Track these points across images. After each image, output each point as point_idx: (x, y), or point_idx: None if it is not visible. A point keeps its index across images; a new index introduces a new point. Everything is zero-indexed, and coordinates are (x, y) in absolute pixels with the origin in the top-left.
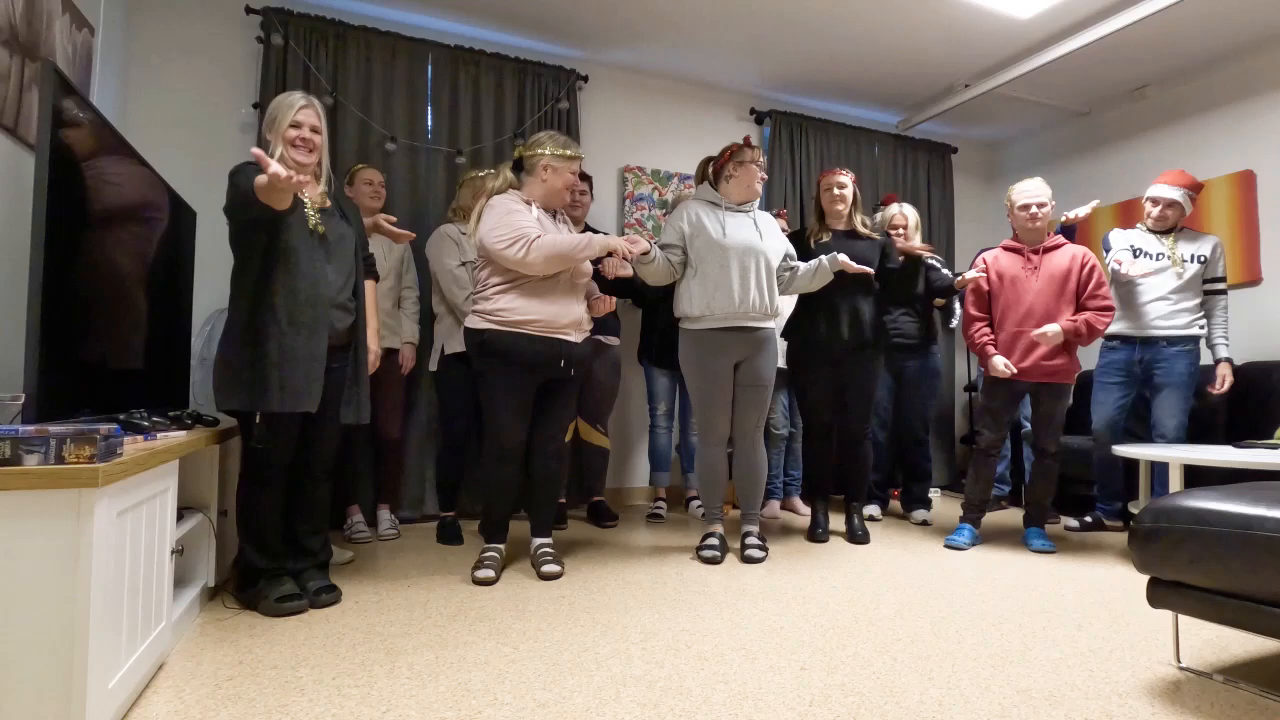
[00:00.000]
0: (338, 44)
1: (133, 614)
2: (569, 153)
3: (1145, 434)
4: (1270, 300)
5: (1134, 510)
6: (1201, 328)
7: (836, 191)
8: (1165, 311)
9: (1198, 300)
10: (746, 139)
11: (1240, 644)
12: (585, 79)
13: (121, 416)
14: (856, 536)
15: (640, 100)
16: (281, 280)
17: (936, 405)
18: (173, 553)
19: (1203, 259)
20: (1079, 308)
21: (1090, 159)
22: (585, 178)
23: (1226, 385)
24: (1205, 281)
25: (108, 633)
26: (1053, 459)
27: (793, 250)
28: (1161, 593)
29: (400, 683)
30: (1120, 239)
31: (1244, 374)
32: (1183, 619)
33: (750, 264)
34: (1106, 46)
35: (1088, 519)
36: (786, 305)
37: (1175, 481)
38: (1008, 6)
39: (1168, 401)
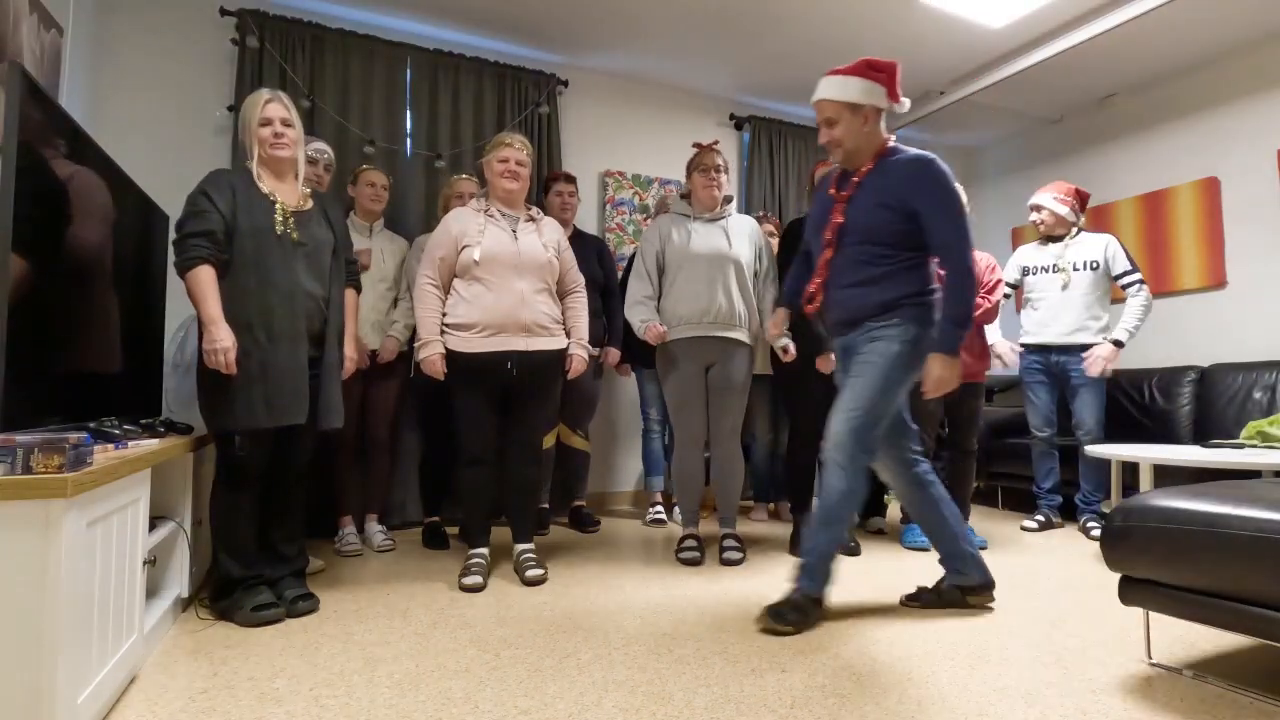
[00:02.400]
0: (315, 47)
1: (103, 626)
2: (500, 140)
3: (1068, 431)
4: (1234, 304)
5: (1105, 509)
6: (1104, 334)
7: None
8: (1067, 323)
9: (1097, 307)
10: (697, 145)
11: (1209, 640)
12: (565, 84)
13: (92, 424)
14: (848, 548)
15: (620, 105)
16: (255, 293)
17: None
18: (145, 563)
19: (1095, 264)
20: None
21: (1062, 165)
22: (570, 179)
23: (1098, 367)
24: (1115, 279)
25: (77, 646)
26: (972, 457)
27: (764, 264)
28: (1133, 590)
29: (380, 692)
30: (1015, 259)
31: (1210, 376)
32: (1154, 616)
33: (717, 272)
34: (1076, 55)
35: (1039, 518)
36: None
37: (1145, 481)
38: (981, 16)
39: (1085, 401)
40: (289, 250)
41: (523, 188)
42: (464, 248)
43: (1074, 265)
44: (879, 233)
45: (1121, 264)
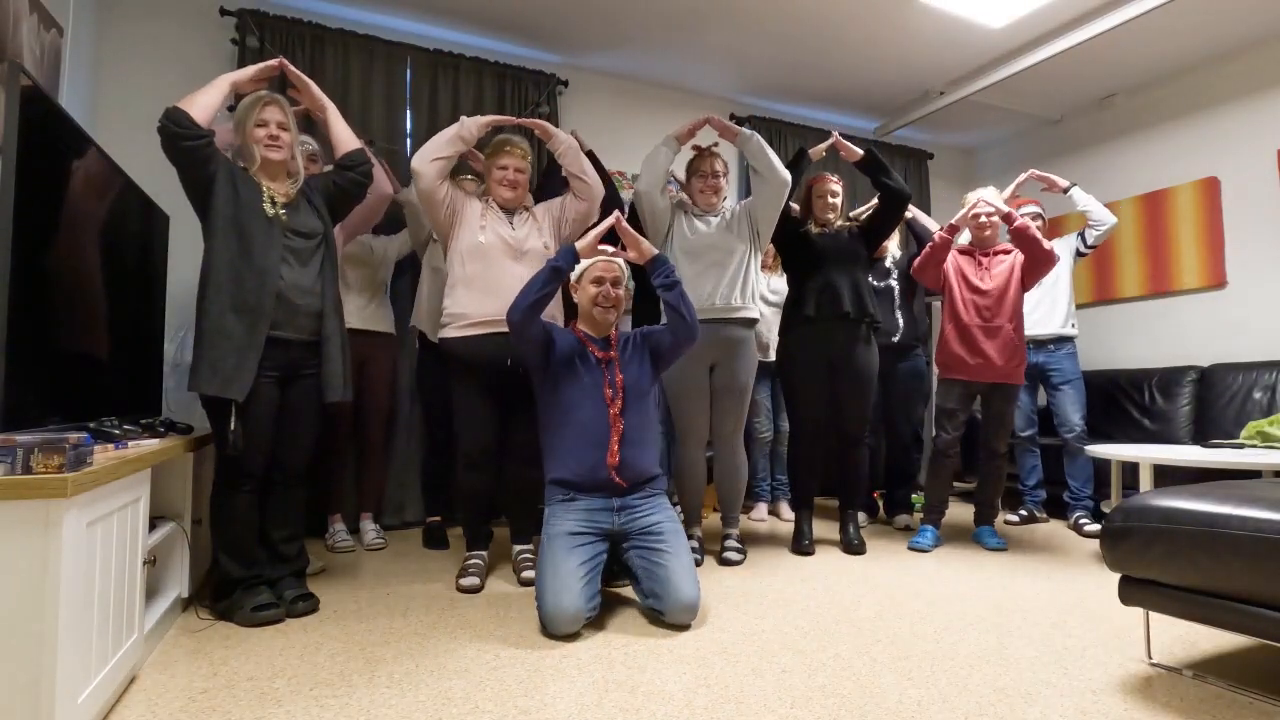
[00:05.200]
0: (315, 47)
1: (103, 626)
2: (500, 146)
3: (1050, 430)
4: (1234, 304)
5: (1105, 509)
6: (1074, 326)
7: (830, 200)
8: (1040, 314)
9: (1068, 299)
10: (696, 148)
11: (1209, 640)
12: (565, 84)
13: (91, 424)
14: (852, 546)
15: (620, 105)
16: (231, 264)
17: (924, 407)
18: (145, 563)
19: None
20: (1025, 271)
21: (1061, 165)
22: None
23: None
24: (1086, 250)
25: (77, 646)
26: (1002, 459)
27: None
28: (1133, 591)
29: (380, 692)
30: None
31: (1210, 376)
32: (1154, 616)
33: (713, 260)
34: (1076, 56)
35: (1022, 512)
36: (770, 308)
37: (1145, 481)
38: (981, 16)
39: (1067, 398)
40: (276, 232)
41: (520, 195)
42: (466, 224)
43: None
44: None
45: (1089, 238)
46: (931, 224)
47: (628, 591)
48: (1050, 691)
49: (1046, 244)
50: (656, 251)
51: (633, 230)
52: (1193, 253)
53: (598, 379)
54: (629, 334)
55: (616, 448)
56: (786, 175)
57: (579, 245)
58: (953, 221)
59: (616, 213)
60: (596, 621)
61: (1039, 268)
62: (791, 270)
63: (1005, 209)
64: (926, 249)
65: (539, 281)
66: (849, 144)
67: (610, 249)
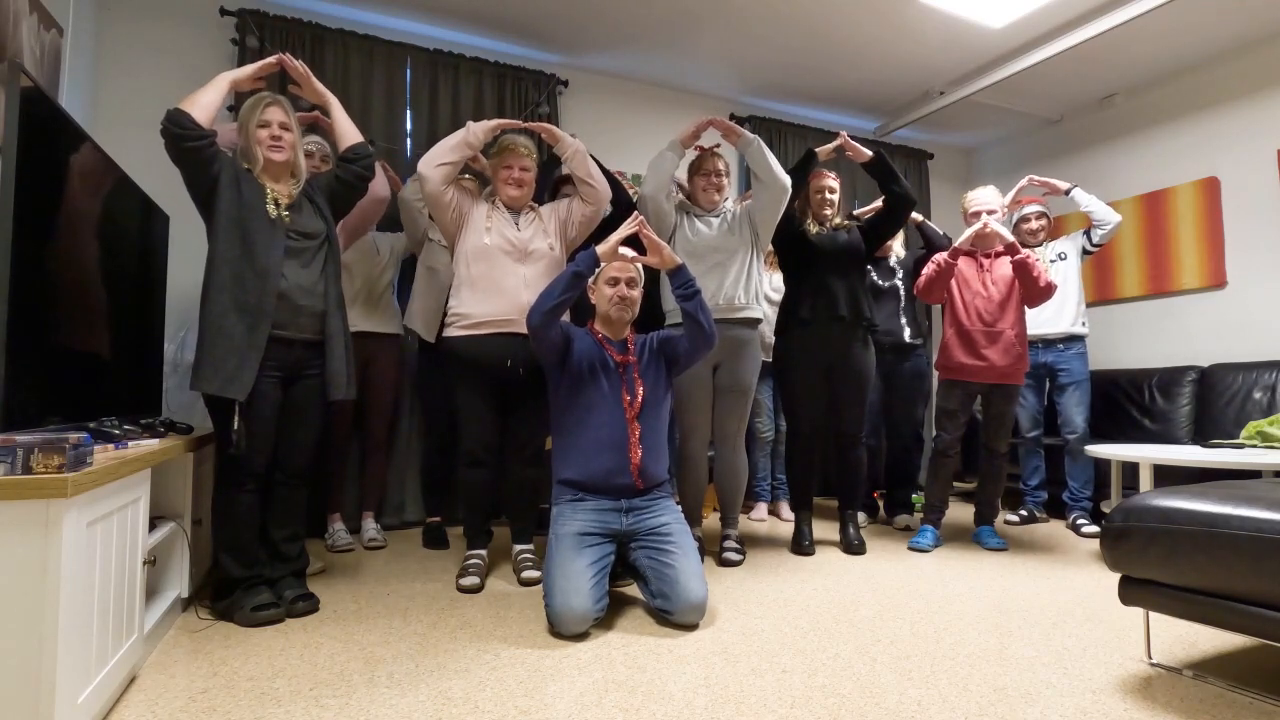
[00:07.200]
0: (315, 47)
1: (103, 626)
2: (505, 146)
3: (1052, 430)
4: (1235, 304)
5: (1105, 509)
6: (1085, 325)
7: (828, 195)
8: (1050, 313)
9: (1078, 298)
10: (699, 148)
11: (1209, 640)
12: (565, 84)
13: (91, 425)
14: (852, 547)
15: (620, 105)
16: (233, 265)
17: (926, 408)
18: (145, 563)
19: (1063, 255)
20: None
21: (1061, 165)
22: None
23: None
24: (1092, 249)
25: (77, 646)
26: (1002, 459)
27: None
28: (1133, 591)
29: (379, 692)
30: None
31: (1210, 376)
32: (1154, 616)
33: (716, 261)
34: (1076, 56)
35: (1022, 512)
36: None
37: (1145, 481)
38: (981, 16)
39: (1073, 399)
40: (278, 234)
41: (527, 194)
42: (471, 226)
43: (1049, 259)
44: None
45: (1094, 237)
46: (940, 231)
47: (629, 591)
48: (1050, 691)
49: (1044, 280)
50: (680, 260)
51: (655, 236)
52: (1193, 253)
53: (615, 383)
54: (645, 338)
55: (640, 452)
56: (786, 181)
57: (600, 249)
58: (956, 245)
59: (641, 218)
60: (597, 622)
61: (1034, 300)
62: (788, 271)
63: (1010, 238)
64: (931, 270)
65: (559, 286)
66: (858, 145)
67: (631, 253)
